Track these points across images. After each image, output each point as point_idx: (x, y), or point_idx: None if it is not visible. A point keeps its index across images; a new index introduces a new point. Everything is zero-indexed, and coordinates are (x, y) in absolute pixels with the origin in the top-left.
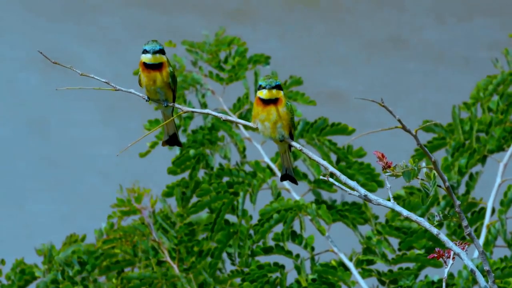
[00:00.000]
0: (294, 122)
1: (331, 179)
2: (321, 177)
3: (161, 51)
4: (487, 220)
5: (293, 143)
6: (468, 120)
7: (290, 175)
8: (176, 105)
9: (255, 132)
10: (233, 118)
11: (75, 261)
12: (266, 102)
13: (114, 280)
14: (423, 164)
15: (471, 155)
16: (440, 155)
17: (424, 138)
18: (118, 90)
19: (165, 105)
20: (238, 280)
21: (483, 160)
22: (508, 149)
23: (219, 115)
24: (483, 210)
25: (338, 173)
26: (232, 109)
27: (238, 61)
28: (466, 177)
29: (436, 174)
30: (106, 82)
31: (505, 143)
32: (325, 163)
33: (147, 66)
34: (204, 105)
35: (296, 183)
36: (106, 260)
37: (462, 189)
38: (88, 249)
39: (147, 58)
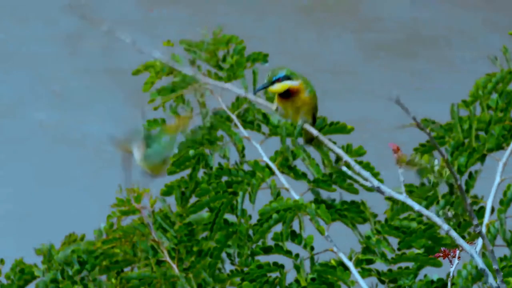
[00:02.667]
0: (317, 106)
1: (344, 168)
2: (333, 165)
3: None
4: (486, 219)
5: (311, 129)
6: (467, 118)
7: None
8: (198, 75)
9: (254, 131)
10: (252, 96)
11: (75, 260)
12: (283, 96)
13: (113, 280)
14: (436, 161)
15: (470, 154)
16: (439, 154)
17: (423, 137)
18: (142, 52)
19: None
20: (237, 280)
21: (482, 159)
22: (507, 147)
23: (239, 91)
24: (482, 209)
25: (352, 162)
26: (230, 108)
27: (236, 60)
28: (465, 176)
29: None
30: (131, 43)
31: (505, 142)
32: (340, 151)
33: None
34: (202, 104)
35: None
36: (106, 260)
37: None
38: (88, 249)
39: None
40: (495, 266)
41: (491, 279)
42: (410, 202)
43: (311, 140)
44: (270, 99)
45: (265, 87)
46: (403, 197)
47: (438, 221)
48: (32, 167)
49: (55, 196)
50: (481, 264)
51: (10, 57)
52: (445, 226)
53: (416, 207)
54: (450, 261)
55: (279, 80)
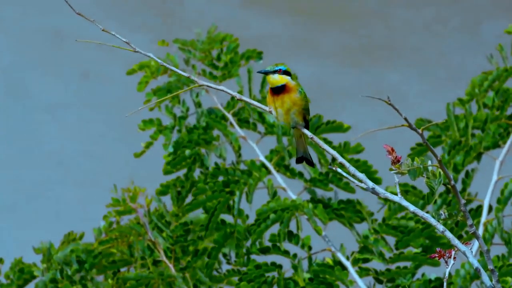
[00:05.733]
0: (309, 108)
1: (339, 170)
2: (329, 167)
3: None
4: (483, 218)
5: (304, 131)
6: (463, 117)
7: (306, 157)
8: (192, 76)
9: (250, 130)
10: (247, 98)
11: (74, 260)
12: (276, 91)
13: (110, 281)
14: (429, 162)
15: (467, 153)
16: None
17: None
18: (137, 52)
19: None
20: (235, 279)
21: (478, 157)
22: (504, 145)
23: (234, 93)
24: (480, 208)
25: (347, 164)
26: (226, 107)
27: (230, 58)
28: (462, 175)
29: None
30: (126, 42)
31: (501, 140)
32: (334, 153)
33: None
34: (198, 104)
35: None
36: (104, 259)
37: (458, 187)
38: (87, 248)
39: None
40: (490, 266)
41: (485, 278)
42: (405, 203)
43: (301, 159)
44: (264, 102)
45: (267, 72)
46: (398, 198)
47: (433, 221)
48: (32, 165)
49: (56, 195)
50: (475, 263)
51: None
52: (440, 227)
53: (411, 208)
54: (446, 262)
55: (279, 71)
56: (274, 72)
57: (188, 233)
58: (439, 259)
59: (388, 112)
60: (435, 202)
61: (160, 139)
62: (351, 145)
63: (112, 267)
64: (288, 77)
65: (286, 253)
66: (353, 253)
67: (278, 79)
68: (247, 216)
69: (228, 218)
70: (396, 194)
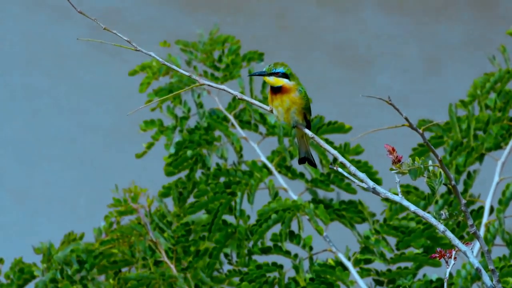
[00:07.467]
0: (310, 107)
1: (340, 169)
2: (330, 166)
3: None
4: (485, 218)
5: (306, 130)
6: (465, 118)
7: (309, 158)
8: (194, 76)
9: (251, 131)
10: (247, 98)
11: (74, 260)
12: (276, 90)
13: (111, 281)
14: (430, 162)
15: (469, 154)
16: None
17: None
18: (138, 50)
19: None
20: (236, 279)
21: (480, 158)
22: (506, 147)
23: (235, 93)
24: (481, 209)
25: (347, 163)
26: (227, 108)
27: (232, 60)
28: (464, 176)
29: (442, 172)
30: (127, 41)
31: (503, 141)
32: (335, 152)
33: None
34: (200, 105)
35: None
36: (104, 259)
37: (460, 188)
38: (87, 248)
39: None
40: (491, 266)
41: (486, 278)
42: (406, 203)
43: (304, 159)
44: (265, 102)
45: (261, 74)
46: (399, 198)
47: (434, 221)
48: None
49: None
50: (476, 263)
51: None
52: (441, 227)
53: (412, 207)
54: (446, 262)
55: (277, 74)
56: (270, 74)
57: (189, 233)
58: (439, 259)
59: (390, 113)
60: (437, 202)
61: (161, 139)
62: (351, 146)
63: (113, 267)
64: (285, 80)
65: (287, 253)
66: (354, 253)
67: (273, 81)
68: (249, 217)
69: (229, 218)
70: (397, 194)
